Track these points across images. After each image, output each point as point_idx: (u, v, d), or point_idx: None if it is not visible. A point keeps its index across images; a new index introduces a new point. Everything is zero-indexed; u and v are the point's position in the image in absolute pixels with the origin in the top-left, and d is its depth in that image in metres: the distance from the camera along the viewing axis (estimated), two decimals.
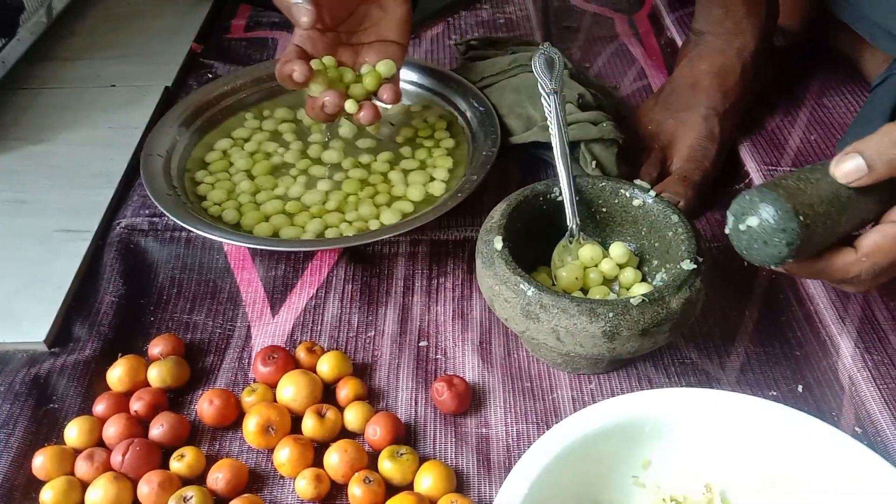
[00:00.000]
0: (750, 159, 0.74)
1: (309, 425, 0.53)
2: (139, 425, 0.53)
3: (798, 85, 0.85)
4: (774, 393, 0.57)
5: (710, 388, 0.54)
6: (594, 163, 0.68)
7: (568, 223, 0.58)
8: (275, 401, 0.55)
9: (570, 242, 0.59)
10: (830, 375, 0.57)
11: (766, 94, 0.82)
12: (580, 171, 0.69)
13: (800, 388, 0.57)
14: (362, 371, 0.59)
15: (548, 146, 0.73)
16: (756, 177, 0.72)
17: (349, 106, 0.65)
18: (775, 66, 0.82)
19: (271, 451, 0.52)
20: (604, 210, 0.61)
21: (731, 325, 0.61)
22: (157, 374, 0.56)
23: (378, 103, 0.67)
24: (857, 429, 0.54)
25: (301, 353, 0.58)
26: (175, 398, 0.57)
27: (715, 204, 0.71)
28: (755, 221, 0.44)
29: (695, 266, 0.52)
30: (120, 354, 0.58)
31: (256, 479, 0.52)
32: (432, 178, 0.71)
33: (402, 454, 0.51)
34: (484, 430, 0.54)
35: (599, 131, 0.68)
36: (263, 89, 0.82)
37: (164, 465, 0.52)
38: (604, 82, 0.88)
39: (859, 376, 0.56)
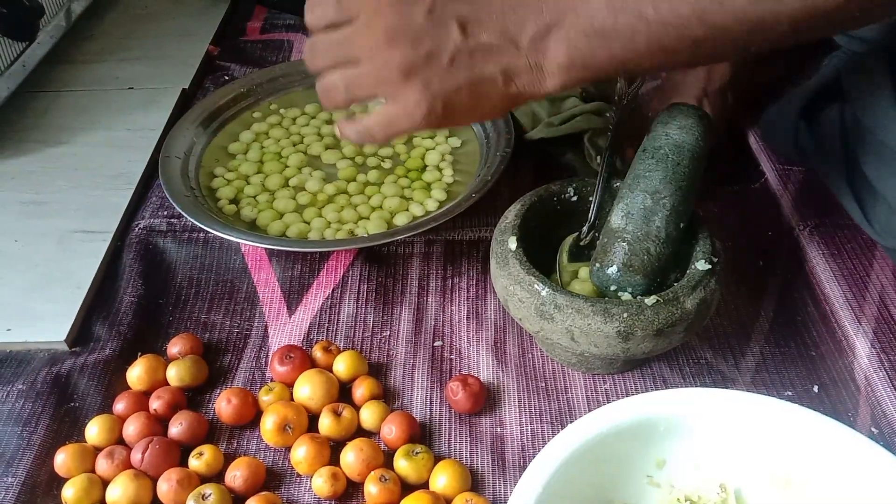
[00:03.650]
0: (766, 160, 0.74)
1: (325, 424, 0.53)
2: (158, 424, 0.54)
3: None
4: (790, 393, 0.56)
5: (725, 388, 0.54)
6: (599, 157, 0.68)
7: (589, 217, 0.58)
8: (292, 400, 0.56)
9: (583, 235, 0.58)
10: (846, 375, 0.57)
11: (779, 90, 0.81)
12: (584, 164, 0.69)
13: (815, 389, 0.57)
14: (378, 370, 0.59)
15: (553, 142, 0.74)
16: (772, 176, 0.72)
17: None
18: (788, 61, 0.81)
19: (288, 449, 0.53)
20: None
21: (747, 326, 0.61)
22: (175, 374, 0.57)
23: None
24: (873, 429, 0.53)
25: (317, 353, 0.59)
26: (193, 397, 0.58)
27: (729, 202, 0.71)
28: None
29: (709, 266, 0.52)
30: (139, 354, 0.59)
31: (274, 477, 0.53)
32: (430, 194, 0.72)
33: (417, 453, 0.51)
34: (498, 430, 0.55)
35: (604, 121, 0.68)
36: (279, 91, 0.83)
37: (183, 463, 0.52)
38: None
39: (875, 376, 0.56)
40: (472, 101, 0.47)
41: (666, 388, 0.57)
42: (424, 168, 0.74)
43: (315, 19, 0.48)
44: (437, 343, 0.61)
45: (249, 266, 0.68)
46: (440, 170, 0.73)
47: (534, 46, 0.45)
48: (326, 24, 0.47)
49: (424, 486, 0.51)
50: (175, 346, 0.59)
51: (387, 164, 0.74)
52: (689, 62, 0.55)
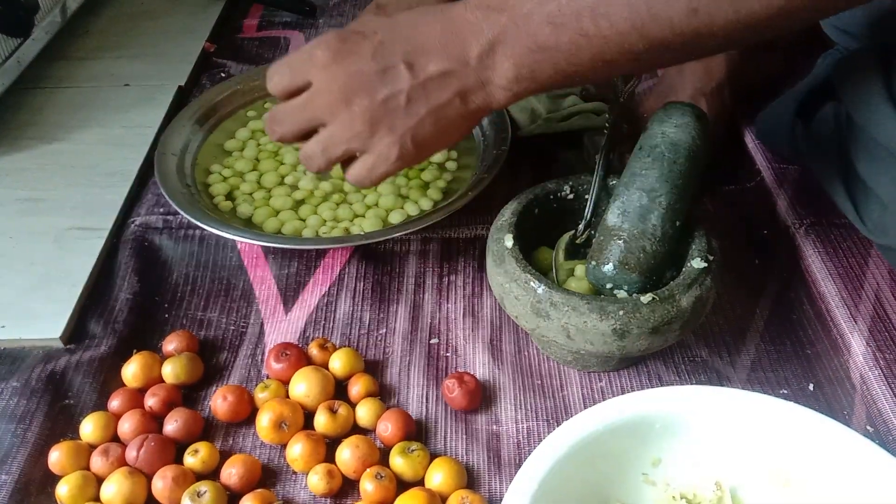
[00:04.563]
0: (762, 158, 0.74)
1: (321, 421, 0.53)
2: (153, 421, 0.54)
3: None
4: (785, 391, 0.57)
5: (720, 387, 0.54)
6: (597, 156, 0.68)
7: (585, 215, 0.58)
8: (287, 397, 0.56)
9: (579, 233, 0.58)
10: (842, 374, 0.57)
11: (776, 89, 0.81)
12: (581, 162, 0.69)
13: (811, 387, 0.57)
14: (374, 368, 0.59)
15: (550, 140, 0.74)
16: (768, 175, 0.72)
17: None
18: (786, 60, 0.81)
19: (284, 446, 0.53)
20: None
21: (742, 324, 0.61)
22: (171, 371, 0.57)
23: None
24: (868, 427, 0.54)
25: (313, 350, 0.58)
26: (189, 394, 0.58)
27: (725, 201, 0.71)
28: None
29: (705, 264, 0.52)
30: (135, 351, 0.58)
31: (269, 475, 0.53)
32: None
33: (413, 450, 0.51)
34: (494, 427, 0.55)
35: (602, 121, 0.68)
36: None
37: (178, 461, 0.52)
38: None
39: (871, 375, 0.56)
40: (437, 128, 0.50)
41: (661, 385, 0.57)
42: (426, 166, 0.74)
43: (274, 87, 0.51)
44: (434, 340, 0.61)
45: (245, 263, 0.68)
46: (444, 169, 0.73)
47: (482, 64, 0.48)
48: (286, 92, 0.50)
49: (420, 483, 0.51)
50: (170, 344, 0.59)
51: None
52: (633, 72, 0.57)
